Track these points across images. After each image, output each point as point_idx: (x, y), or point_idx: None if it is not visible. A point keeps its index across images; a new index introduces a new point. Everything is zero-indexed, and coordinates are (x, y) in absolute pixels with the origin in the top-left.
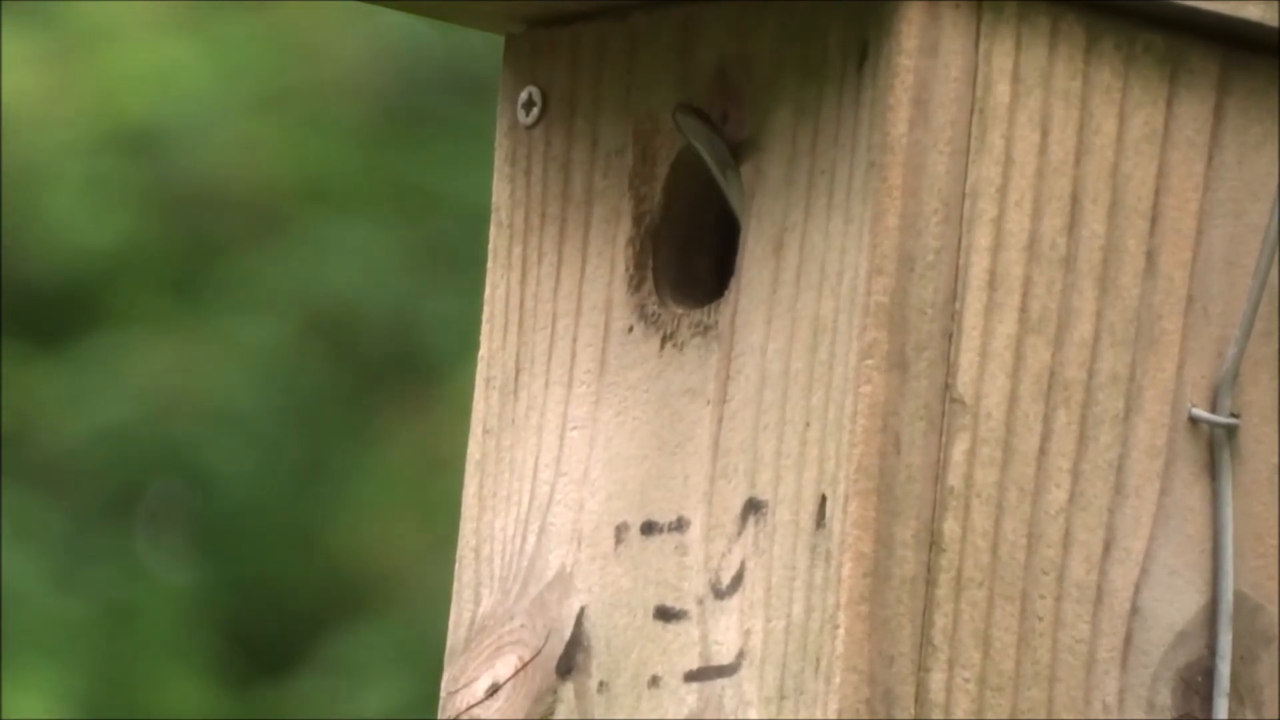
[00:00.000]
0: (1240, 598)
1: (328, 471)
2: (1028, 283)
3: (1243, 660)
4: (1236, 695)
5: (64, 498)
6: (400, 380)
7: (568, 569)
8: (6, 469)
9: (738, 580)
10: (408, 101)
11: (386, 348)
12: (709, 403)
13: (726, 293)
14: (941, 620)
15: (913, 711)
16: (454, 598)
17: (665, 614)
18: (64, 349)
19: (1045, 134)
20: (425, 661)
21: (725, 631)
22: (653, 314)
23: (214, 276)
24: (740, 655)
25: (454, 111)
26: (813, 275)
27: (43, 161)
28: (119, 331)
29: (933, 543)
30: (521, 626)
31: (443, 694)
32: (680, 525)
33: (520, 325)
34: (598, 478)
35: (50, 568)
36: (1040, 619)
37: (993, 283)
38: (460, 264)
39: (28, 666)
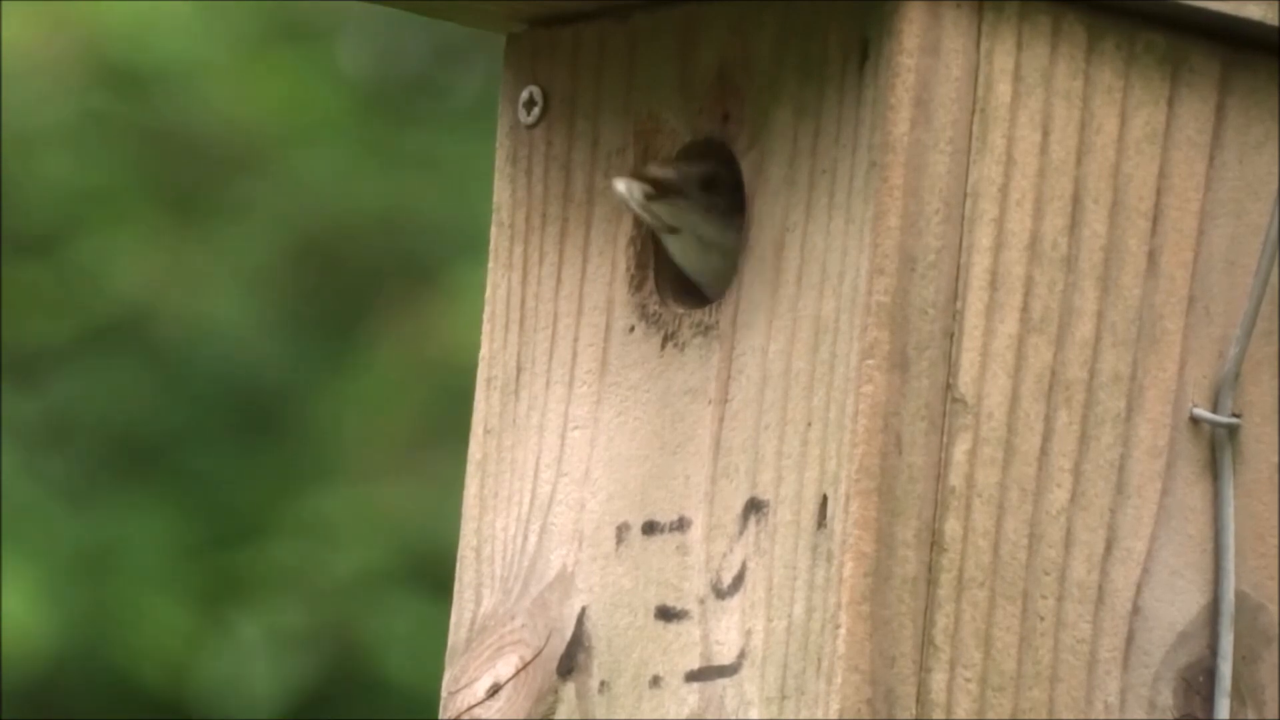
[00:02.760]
0: (1241, 597)
1: (316, 381)
2: (1029, 282)
3: (1244, 660)
4: (1238, 695)
5: (48, 397)
6: (386, 293)
7: (569, 569)
8: None
9: (739, 580)
10: (392, 45)
11: (371, 265)
12: (710, 402)
13: (727, 292)
14: (943, 620)
15: (914, 711)
16: (455, 598)
17: (666, 614)
18: (52, 256)
19: (1046, 134)
20: (398, 535)
21: (726, 631)
22: (654, 314)
23: (200, 217)
24: (741, 655)
25: (437, 61)
26: (814, 275)
27: (33, 105)
28: (104, 252)
29: (934, 542)
30: (522, 626)
31: (444, 694)
32: (681, 525)
33: (521, 325)
34: (599, 477)
35: (34, 473)
36: (1042, 619)
37: (994, 282)
38: (443, 177)
39: (7, 557)
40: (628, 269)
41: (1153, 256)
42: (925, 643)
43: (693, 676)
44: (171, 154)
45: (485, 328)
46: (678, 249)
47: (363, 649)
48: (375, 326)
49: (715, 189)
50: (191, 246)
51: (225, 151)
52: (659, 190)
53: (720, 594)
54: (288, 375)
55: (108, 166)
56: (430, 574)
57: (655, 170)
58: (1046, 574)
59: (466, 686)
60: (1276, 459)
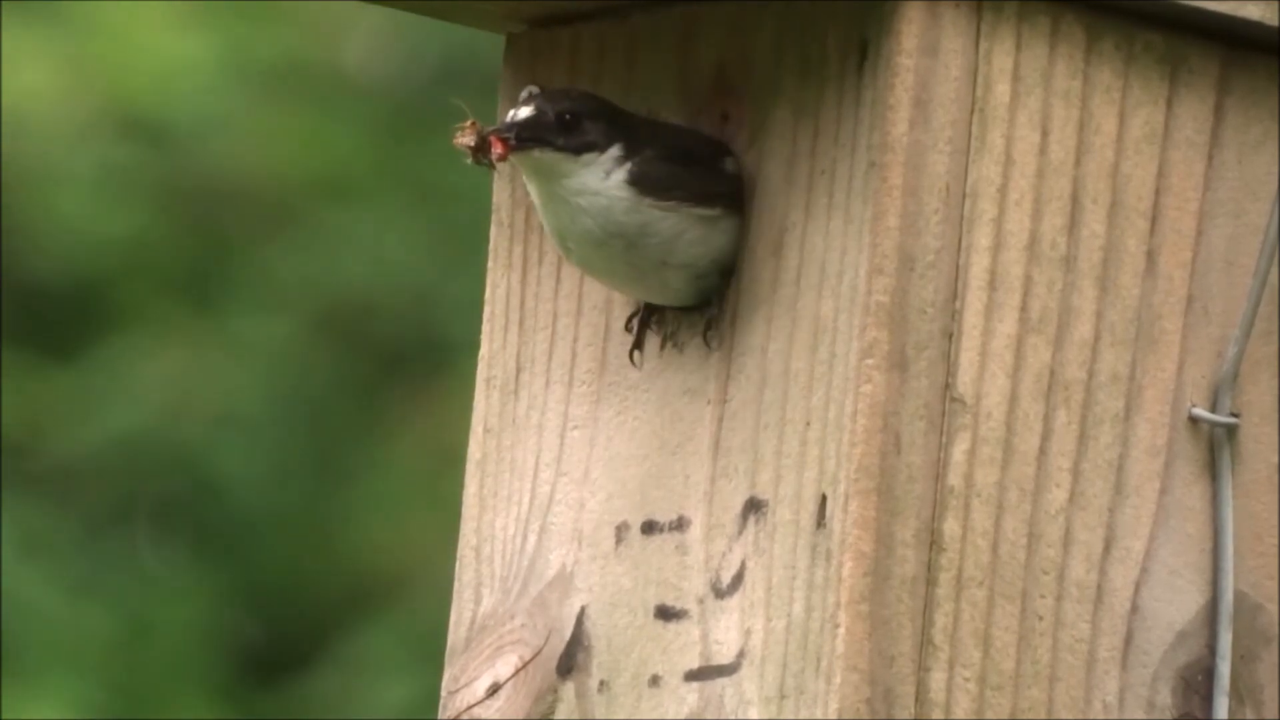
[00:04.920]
0: (1240, 597)
1: (339, 470)
2: (1028, 282)
3: (1243, 659)
4: (1236, 694)
5: (75, 507)
6: (411, 373)
7: (568, 568)
8: (17, 479)
9: (738, 580)
10: (415, 95)
11: (397, 341)
12: (709, 402)
13: (727, 292)
14: (942, 620)
15: (913, 711)
16: (454, 597)
17: (666, 613)
18: (73, 357)
19: (1045, 134)
20: (439, 657)
21: (726, 631)
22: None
23: (224, 272)
24: (741, 655)
25: (448, 84)
26: (813, 275)
27: (54, 157)
28: (128, 336)
29: (933, 542)
30: (522, 626)
31: (443, 693)
32: (681, 525)
33: (521, 325)
34: (598, 477)
35: (63, 577)
36: (1040, 618)
37: (993, 282)
38: (471, 255)
39: (43, 676)
40: None
41: (1151, 256)
42: (924, 642)
43: (692, 676)
44: (192, 211)
45: (485, 327)
46: (549, 206)
47: None
48: (396, 419)
49: (577, 127)
50: (211, 338)
51: (246, 210)
52: (517, 142)
53: (719, 593)
54: (308, 483)
55: (126, 221)
56: None
57: (517, 113)
58: (1045, 573)
59: (466, 686)
60: (1275, 459)
